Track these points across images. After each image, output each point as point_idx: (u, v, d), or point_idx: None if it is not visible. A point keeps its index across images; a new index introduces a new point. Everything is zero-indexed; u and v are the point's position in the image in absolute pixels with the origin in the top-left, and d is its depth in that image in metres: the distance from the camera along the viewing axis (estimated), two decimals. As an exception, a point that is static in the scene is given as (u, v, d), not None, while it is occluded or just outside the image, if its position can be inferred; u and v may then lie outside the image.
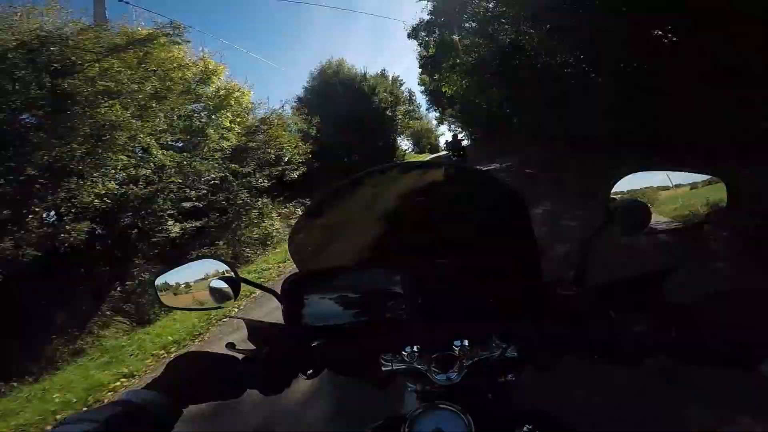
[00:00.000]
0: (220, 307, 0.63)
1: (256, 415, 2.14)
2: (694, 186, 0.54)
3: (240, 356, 0.54)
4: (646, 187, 0.55)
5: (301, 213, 0.75)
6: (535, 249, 0.56)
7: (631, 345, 0.43)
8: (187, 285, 0.63)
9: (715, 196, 0.54)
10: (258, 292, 0.87)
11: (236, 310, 4.03)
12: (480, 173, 0.57)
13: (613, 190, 0.54)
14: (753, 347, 0.37)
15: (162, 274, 0.64)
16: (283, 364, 0.52)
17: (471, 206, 0.59)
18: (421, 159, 15.38)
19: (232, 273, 0.62)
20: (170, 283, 0.63)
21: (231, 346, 0.56)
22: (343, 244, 0.62)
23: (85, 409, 2.89)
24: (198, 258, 0.64)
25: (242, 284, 0.62)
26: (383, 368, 0.53)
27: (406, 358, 0.49)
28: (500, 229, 0.58)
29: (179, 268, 0.63)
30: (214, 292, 0.62)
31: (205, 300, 0.63)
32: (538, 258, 0.55)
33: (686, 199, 0.54)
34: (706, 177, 0.54)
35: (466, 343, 0.47)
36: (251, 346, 0.57)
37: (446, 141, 15.12)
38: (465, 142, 15.03)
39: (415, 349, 0.48)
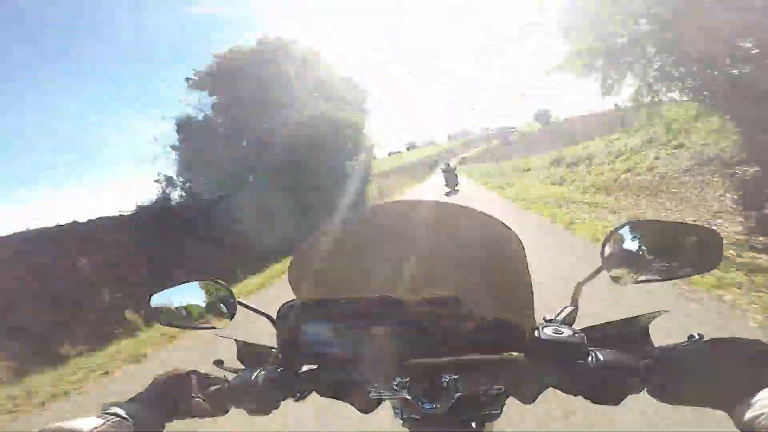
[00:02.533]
0: (214, 327, 0.66)
1: None
2: (684, 237, 0.58)
3: (228, 375, 0.58)
4: (642, 237, 0.58)
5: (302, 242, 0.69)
6: (530, 289, 0.58)
7: (614, 384, 0.47)
8: (183, 305, 0.66)
9: (707, 246, 0.56)
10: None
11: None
12: (476, 212, 0.61)
13: (611, 238, 0.58)
14: (729, 392, 0.40)
15: (158, 292, 0.67)
16: (275, 387, 0.55)
17: (466, 243, 0.62)
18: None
19: (228, 294, 0.65)
20: (166, 302, 0.66)
21: (219, 363, 0.59)
22: (341, 275, 0.64)
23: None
24: (196, 279, 0.67)
25: (238, 307, 0.65)
26: (371, 395, 0.57)
27: (394, 387, 0.53)
28: (495, 267, 0.61)
29: (176, 287, 0.66)
30: (210, 312, 0.65)
31: (200, 320, 0.65)
32: (531, 298, 0.58)
33: (679, 250, 0.58)
34: (699, 229, 0.58)
35: (455, 376, 0.51)
36: (240, 366, 0.60)
37: (443, 166, 17.85)
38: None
39: (405, 380, 0.52)
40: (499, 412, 0.62)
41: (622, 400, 0.48)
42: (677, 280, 0.67)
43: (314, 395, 0.59)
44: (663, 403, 0.47)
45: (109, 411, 0.45)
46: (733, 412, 0.39)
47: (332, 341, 0.57)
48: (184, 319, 0.67)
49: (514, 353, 0.51)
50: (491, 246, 0.61)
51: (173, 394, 0.53)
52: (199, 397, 0.53)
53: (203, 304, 0.65)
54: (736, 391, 0.39)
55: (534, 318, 0.58)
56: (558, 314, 0.60)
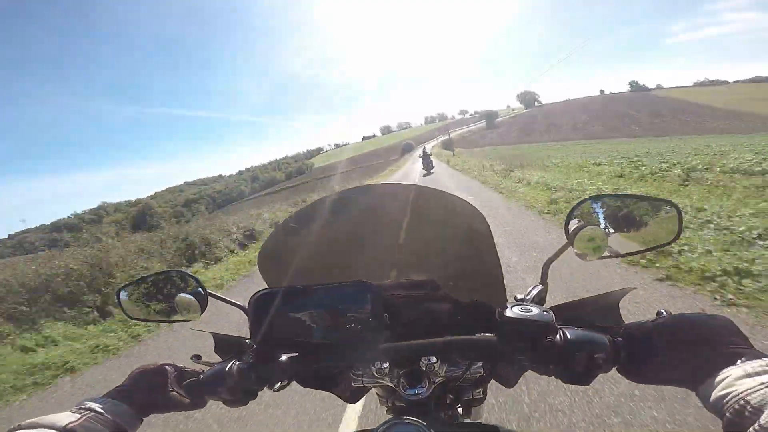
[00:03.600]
0: (186, 320, 0.65)
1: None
2: (646, 211, 0.59)
3: (205, 368, 0.57)
4: (603, 212, 0.60)
5: (272, 229, 0.69)
6: (499, 269, 0.60)
7: (584, 363, 0.46)
8: (153, 297, 0.65)
9: (667, 220, 0.58)
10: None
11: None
12: (447, 195, 0.62)
13: (573, 215, 0.59)
14: (693, 369, 0.40)
15: (126, 285, 0.66)
16: (249, 377, 0.55)
17: (438, 226, 0.63)
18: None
19: (199, 287, 0.64)
20: (135, 295, 0.65)
21: (196, 358, 0.59)
22: (313, 262, 0.65)
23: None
24: (164, 271, 0.67)
25: (210, 298, 0.65)
26: (353, 383, 0.59)
27: (375, 374, 0.54)
28: (466, 249, 0.63)
29: (143, 280, 0.66)
30: (181, 305, 0.64)
31: (171, 313, 0.65)
32: (502, 278, 0.60)
33: (641, 224, 0.59)
34: (659, 201, 0.60)
35: (433, 359, 0.52)
36: (218, 359, 0.60)
37: (420, 155, 21.96)
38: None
39: (384, 365, 0.53)
40: (483, 396, 0.67)
41: (593, 379, 0.48)
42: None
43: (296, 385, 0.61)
44: (633, 382, 0.47)
45: (85, 406, 0.45)
46: (698, 390, 0.39)
47: (307, 329, 0.56)
48: (153, 312, 0.66)
49: (487, 334, 0.51)
50: (461, 228, 0.62)
51: (149, 388, 0.53)
52: (175, 390, 0.54)
53: (173, 297, 0.65)
54: (701, 369, 0.39)
55: (505, 298, 0.59)
56: (528, 293, 0.61)
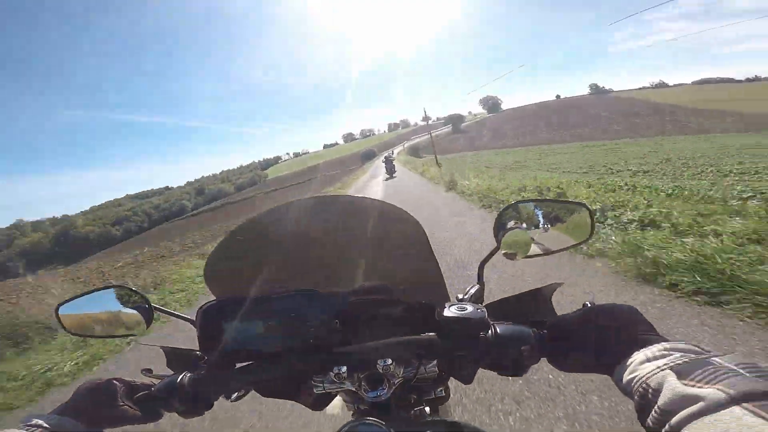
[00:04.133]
0: (132, 335, 0.68)
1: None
2: (563, 213, 0.70)
3: (156, 381, 0.61)
4: (525, 216, 0.69)
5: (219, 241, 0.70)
6: (438, 271, 0.70)
7: (514, 355, 0.53)
8: (95, 313, 0.68)
9: (581, 220, 0.69)
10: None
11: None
12: (387, 205, 0.69)
13: (500, 220, 0.68)
14: (607, 356, 0.46)
15: (66, 301, 0.67)
16: (202, 388, 0.58)
17: (383, 235, 0.70)
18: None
19: (143, 300, 0.68)
20: (76, 311, 0.67)
21: (147, 371, 0.62)
22: (261, 273, 0.68)
23: None
24: (107, 287, 0.69)
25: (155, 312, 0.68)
26: (315, 390, 0.64)
27: (335, 379, 0.58)
28: (409, 255, 0.71)
29: (86, 296, 0.67)
30: (125, 319, 0.67)
31: (116, 328, 0.67)
32: (442, 279, 0.69)
33: (560, 225, 0.69)
34: (573, 204, 0.71)
35: (389, 361, 0.57)
36: (170, 372, 0.63)
37: (383, 160, 24.38)
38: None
39: (342, 370, 0.57)
40: (446, 395, 0.75)
41: (525, 370, 0.54)
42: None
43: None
44: (561, 371, 0.53)
45: (32, 423, 0.47)
46: (613, 375, 0.45)
47: (260, 338, 0.60)
48: (95, 328, 0.69)
49: (431, 333, 0.58)
50: (403, 235, 0.70)
51: (98, 403, 0.55)
52: (126, 404, 0.56)
53: (116, 312, 0.67)
54: (613, 355, 0.45)
55: (448, 297, 0.68)
56: (466, 293, 0.67)
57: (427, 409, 0.69)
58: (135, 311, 0.67)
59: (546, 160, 22.84)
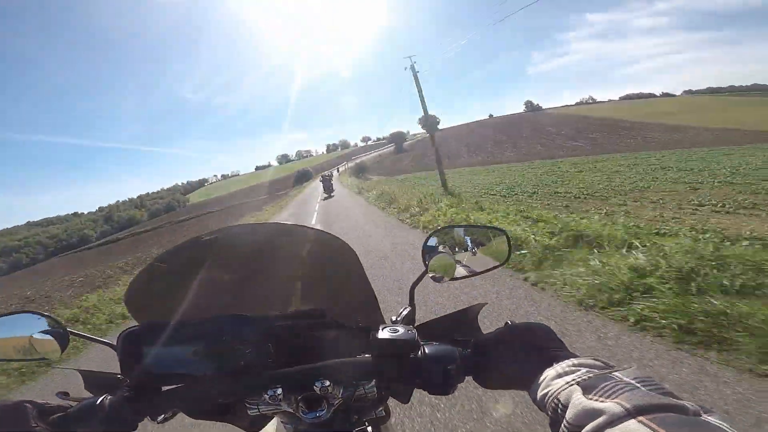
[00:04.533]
0: (45, 359, 0.68)
1: None
2: (484, 237, 0.81)
3: (74, 404, 0.61)
4: (450, 241, 0.79)
5: (142, 266, 0.73)
6: (372, 294, 0.75)
7: (441, 374, 0.57)
8: (6, 337, 0.68)
9: (500, 245, 0.80)
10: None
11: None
12: (318, 231, 0.74)
13: (427, 245, 0.77)
14: (523, 373, 0.51)
15: None
16: (124, 410, 0.60)
17: (315, 260, 0.75)
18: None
19: (57, 325, 0.69)
20: None
21: (63, 395, 0.63)
22: (188, 299, 0.70)
23: None
24: (19, 311, 0.69)
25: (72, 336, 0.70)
26: (250, 411, 0.67)
27: (269, 401, 0.61)
28: (343, 279, 0.76)
29: None
30: (38, 345, 0.67)
31: (29, 353, 0.68)
32: (376, 303, 0.75)
33: (480, 248, 0.79)
34: (492, 229, 0.82)
35: (326, 383, 0.60)
36: (88, 396, 0.63)
37: (320, 178, 27.47)
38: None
39: (277, 392, 0.60)
40: (386, 415, 0.80)
41: (453, 388, 0.59)
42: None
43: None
44: (486, 388, 0.59)
45: None
46: (530, 392, 0.49)
47: (187, 362, 0.63)
48: (7, 352, 0.69)
49: (366, 355, 0.63)
50: (336, 260, 0.75)
51: (10, 423, 0.55)
52: (39, 426, 0.56)
53: (29, 336, 0.67)
54: (528, 372, 0.50)
55: (382, 320, 0.73)
56: (399, 315, 0.73)
57: (369, 429, 0.74)
58: (49, 336, 0.68)
59: (546, 180, 18.91)
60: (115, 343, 0.65)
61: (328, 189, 24.15)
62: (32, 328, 0.68)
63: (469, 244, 0.79)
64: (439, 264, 0.75)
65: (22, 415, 0.56)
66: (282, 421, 0.76)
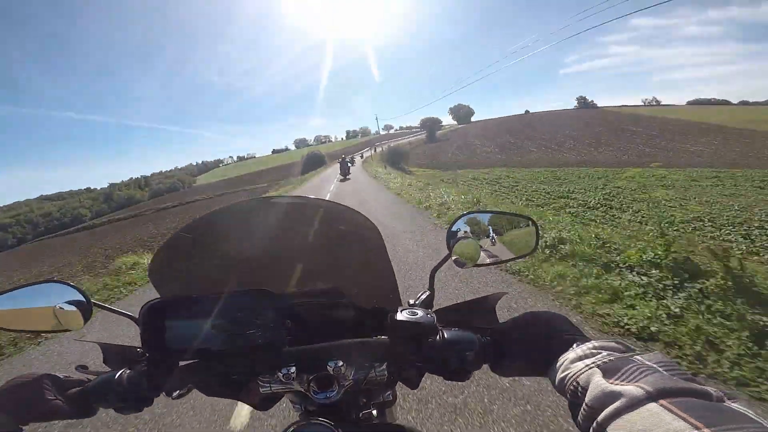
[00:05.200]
0: (67, 330, 0.74)
1: None
2: (512, 225, 0.85)
3: (92, 377, 0.68)
4: (476, 227, 0.83)
5: (166, 239, 0.75)
6: (393, 276, 0.79)
7: (458, 360, 0.62)
8: (30, 308, 0.73)
9: (528, 233, 0.84)
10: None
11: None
12: (344, 208, 0.79)
13: (451, 229, 0.81)
14: (542, 359, 0.55)
15: None
16: (141, 385, 0.66)
17: (337, 238, 0.80)
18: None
19: (82, 296, 0.73)
20: (9, 305, 0.72)
21: (83, 368, 0.70)
22: (210, 273, 0.77)
23: None
24: (42, 280, 0.74)
25: (95, 308, 0.75)
26: (261, 390, 0.71)
27: (283, 380, 0.67)
28: (364, 259, 0.82)
29: (19, 290, 0.73)
30: (62, 316, 0.72)
31: (51, 324, 0.73)
32: (396, 284, 0.79)
33: (507, 237, 0.84)
34: (521, 218, 0.86)
35: (339, 363, 0.65)
36: (107, 369, 0.69)
37: (339, 161, 29.19)
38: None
39: (291, 370, 0.65)
40: (392, 399, 0.85)
41: (469, 375, 0.63)
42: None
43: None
44: (502, 377, 0.64)
45: None
46: (548, 375, 0.53)
47: (206, 337, 0.67)
48: (29, 322, 0.75)
49: (382, 336, 0.68)
50: (359, 239, 0.80)
51: (27, 396, 0.60)
52: (58, 398, 0.62)
53: (53, 307, 0.72)
54: (547, 357, 0.53)
55: (400, 302, 0.78)
56: (417, 298, 0.77)
57: (375, 412, 0.78)
58: (73, 307, 0.72)
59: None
60: (137, 316, 0.70)
61: (345, 171, 26.88)
62: (56, 299, 0.72)
63: (496, 230, 0.83)
64: (464, 249, 0.80)
65: (42, 387, 0.62)
66: (291, 401, 0.81)
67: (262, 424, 2.43)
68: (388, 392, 0.84)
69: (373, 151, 53.77)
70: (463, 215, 0.84)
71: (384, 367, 0.71)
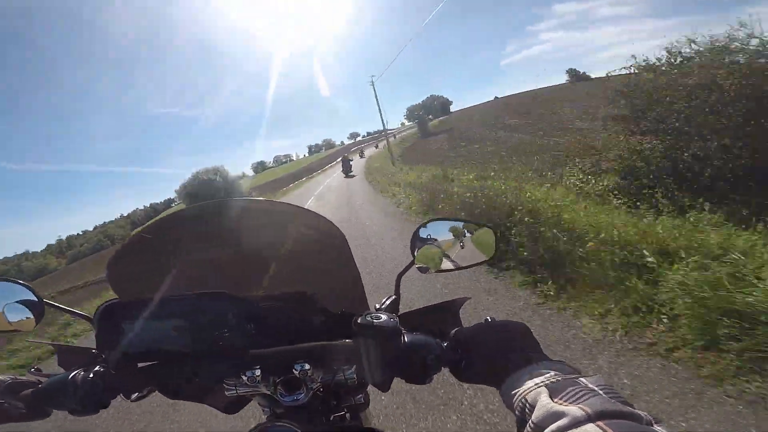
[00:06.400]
0: (16, 331, 0.77)
1: None
2: (471, 232, 0.96)
3: (44, 380, 0.70)
4: (439, 233, 0.93)
5: (124, 239, 0.84)
6: (359, 280, 0.89)
7: (419, 364, 0.68)
8: None
9: (487, 240, 0.95)
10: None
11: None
12: (310, 213, 0.87)
13: (416, 235, 0.91)
14: (496, 371, 0.60)
15: None
16: (97, 387, 0.69)
17: (304, 243, 0.89)
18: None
19: (33, 295, 0.77)
20: None
21: (37, 371, 0.73)
22: (170, 274, 0.82)
23: None
24: None
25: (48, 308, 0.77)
26: (227, 393, 0.76)
27: (248, 383, 0.72)
28: (330, 264, 0.91)
29: None
30: (12, 316, 0.76)
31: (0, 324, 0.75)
32: (362, 289, 0.89)
33: (467, 243, 0.95)
34: (480, 225, 0.97)
35: (306, 366, 0.71)
36: (61, 372, 0.72)
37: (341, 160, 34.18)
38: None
39: (256, 373, 0.71)
40: (365, 402, 0.95)
41: (429, 378, 0.69)
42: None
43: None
44: (460, 381, 0.69)
45: None
46: (501, 390, 0.58)
47: (165, 339, 0.73)
48: None
49: (347, 340, 0.74)
50: (321, 242, 0.90)
51: None
52: (8, 402, 0.66)
53: (2, 306, 0.76)
54: (501, 370, 0.59)
55: (367, 307, 0.87)
56: (383, 303, 0.85)
57: (348, 415, 0.85)
58: (23, 306, 0.76)
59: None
60: (92, 317, 0.73)
61: (347, 170, 32.70)
62: (4, 298, 0.75)
63: (458, 237, 0.93)
64: (427, 255, 0.89)
65: None
66: (260, 404, 0.86)
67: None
68: (360, 395, 0.92)
69: (375, 148, 51.91)
70: (426, 223, 0.93)
71: (353, 370, 0.77)
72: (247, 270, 0.86)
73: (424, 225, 0.93)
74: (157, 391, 0.76)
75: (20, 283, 0.77)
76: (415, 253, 0.89)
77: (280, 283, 0.85)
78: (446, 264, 0.92)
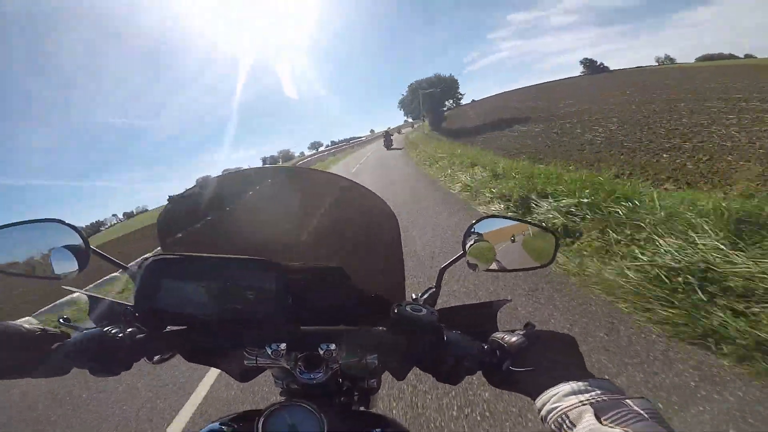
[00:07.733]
0: (57, 278, 0.77)
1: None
2: (531, 235, 0.97)
3: (72, 332, 0.71)
4: (495, 231, 0.94)
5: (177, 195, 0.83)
6: (401, 267, 0.91)
7: (454, 364, 0.70)
8: (22, 248, 0.77)
9: (546, 246, 0.96)
10: None
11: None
12: (363, 190, 0.89)
13: (470, 230, 0.91)
14: (536, 382, 0.60)
15: None
16: (124, 347, 0.70)
17: (350, 219, 0.93)
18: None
19: (81, 241, 0.77)
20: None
21: (66, 321, 0.75)
22: (215, 235, 0.87)
23: None
24: (40, 219, 0.77)
25: (93, 255, 0.77)
26: (246, 362, 0.78)
27: (270, 355, 0.73)
28: (375, 245, 0.94)
29: (15, 226, 0.76)
30: (57, 259, 0.77)
31: (43, 266, 0.77)
32: (403, 276, 0.91)
33: (524, 246, 0.96)
34: (543, 228, 0.97)
35: (332, 346, 0.73)
36: (90, 324, 0.74)
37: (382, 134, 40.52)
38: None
39: (281, 347, 0.73)
40: (377, 386, 0.98)
41: (461, 380, 0.71)
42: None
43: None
44: (491, 386, 0.69)
45: None
46: (536, 401, 0.59)
47: (201, 301, 0.74)
48: (16, 264, 0.78)
49: (381, 327, 0.76)
50: (373, 224, 0.93)
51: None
52: (31, 353, 0.67)
53: (46, 250, 0.76)
54: (542, 381, 0.59)
55: (404, 295, 0.89)
56: (422, 294, 0.88)
57: (356, 397, 0.88)
58: (68, 251, 0.76)
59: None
60: (137, 269, 0.74)
61: (388, 144, 40.61)
62: (53, 241, 0.76)
63: (514, 238, 0.94)
64: (478, 251, 0.89)
65: (15, 338, 0.67)
66: (274, 375, 0.88)
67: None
68: (373, 380, 0.94)
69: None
70: (485, 218, 0.93)
71: (375, 355, 0.78)
72: (291, 240, 0.89)
73: (479, 220, 0.93)
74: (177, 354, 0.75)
75: (69, 225, 0.79)
76: (467, 248, 0.89)
77: (321, 257, 0.88)
78: (499, 263, 0.93)
